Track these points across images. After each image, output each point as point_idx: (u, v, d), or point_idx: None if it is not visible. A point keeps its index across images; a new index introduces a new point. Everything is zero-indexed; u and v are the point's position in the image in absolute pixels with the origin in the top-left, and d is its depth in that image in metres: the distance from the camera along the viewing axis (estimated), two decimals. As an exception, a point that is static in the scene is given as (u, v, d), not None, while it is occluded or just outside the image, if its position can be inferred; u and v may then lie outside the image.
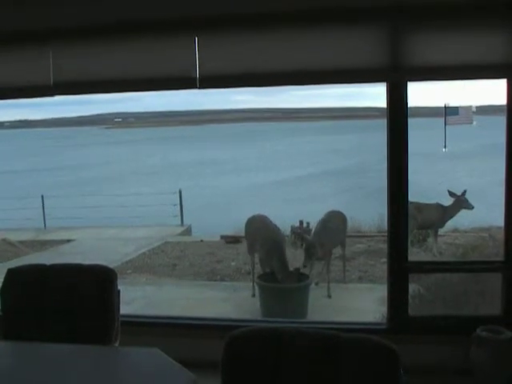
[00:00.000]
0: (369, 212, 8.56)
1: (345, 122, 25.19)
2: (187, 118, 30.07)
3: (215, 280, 8.27)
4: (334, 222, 7.47)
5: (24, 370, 2.53)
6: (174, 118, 30.39)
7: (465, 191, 7.91)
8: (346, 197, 13.38)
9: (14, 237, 10.80)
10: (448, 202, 8.03)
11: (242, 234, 8.88)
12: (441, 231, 8.60)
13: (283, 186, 15.76)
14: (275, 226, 7.03)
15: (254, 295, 6.92)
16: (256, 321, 5.63)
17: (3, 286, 3.02)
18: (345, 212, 7.74)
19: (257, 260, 7.04)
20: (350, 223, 8.24)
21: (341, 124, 25.44)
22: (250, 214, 7.39)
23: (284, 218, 8.30)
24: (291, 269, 6.57)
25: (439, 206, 8.20)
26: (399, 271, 3.97)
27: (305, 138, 24.42)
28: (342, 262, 7.80)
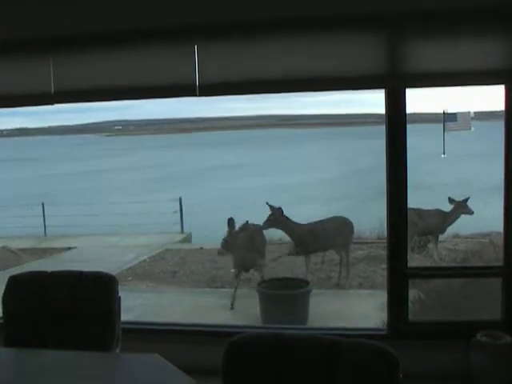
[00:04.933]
0: (373, 215, 8.54)
1: (345, 129, 25.16)
2: (188, 125, 30.05)
3: (215, 287, 8.27)
4: (328, 225, 7.63)
5: (25, 376, 2.53)
6: (175, 126, 30.39)
7: (467, 198, 7.90)
8: (348, 201, 13.39)
9: (14, 244, 10.80)
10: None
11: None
12: (441, 237, 8.59)
13: (286, 190, 15.76)
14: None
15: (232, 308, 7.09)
16: (256, 327, 5.63)
17: (4, 292, 3.03)
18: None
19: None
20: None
21: (341, 130, 25.41)
22: (253, 219, 7.47)
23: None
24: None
25: (440, 212, 8.19)
26: (399, 277, 3.98)
27: (305, 144, 24.43)
28: (346, 268, 7.81)
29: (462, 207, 7.85)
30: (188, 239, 11.85)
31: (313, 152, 22.60)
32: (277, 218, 7.29)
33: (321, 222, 7.78)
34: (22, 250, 10.72)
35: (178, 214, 12.15)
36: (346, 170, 17.55)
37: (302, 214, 8.93)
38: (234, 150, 26.89)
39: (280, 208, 7.32)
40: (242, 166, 22.01)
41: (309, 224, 7.68)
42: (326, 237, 7.60)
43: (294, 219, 7.62)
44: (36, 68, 4.00)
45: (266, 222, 7.38)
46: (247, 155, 24.58)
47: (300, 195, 14.36)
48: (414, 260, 7.69)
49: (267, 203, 7.39)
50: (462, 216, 7.93)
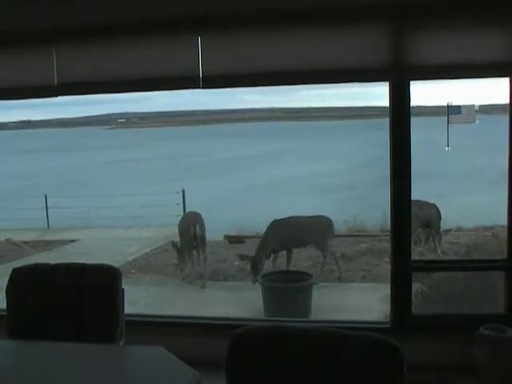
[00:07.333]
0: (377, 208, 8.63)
1: (354, 121, 25.05)
2: (192, 117, 29.99)
3: (218, 280, 8.27)
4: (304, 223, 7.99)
5: (29, 368, 2.54)
6: (179, 118, 30.31)
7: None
8: (351, 192, 13.43)
9: (17, 237, 10.81)
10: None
11: (246, 233, 9.02)
12: (443, 230, 8.65)
13: (301, 181, 15.82)
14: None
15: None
16: (260, 320, 5.64)
17: (8, 285, 3.03)
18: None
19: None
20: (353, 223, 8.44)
21: (350, 123, 25.31)
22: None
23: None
24: None
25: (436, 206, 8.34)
26: (402, 270, 3.97)
27: (315, 136, 24.40)
28: (336, 264, 7.98)
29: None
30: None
31: (322, 144, 22.63)
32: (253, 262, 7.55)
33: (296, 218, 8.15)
34: (25, 242, 10.73)
35: (181, 206, 12.13)
36: (352, 163, 17.56)
37: (313, 204, 9.02)
38: (242, 142, 26.84)
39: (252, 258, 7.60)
40: (255, 158, 21.98)
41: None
42: (298, 234, 7.93)
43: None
44: (39, 60, 4.00)
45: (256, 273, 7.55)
46: (258, 147, 24.53)
47: (311, 186, 14.40)
48: (417, 253, 7.70)
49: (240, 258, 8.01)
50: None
